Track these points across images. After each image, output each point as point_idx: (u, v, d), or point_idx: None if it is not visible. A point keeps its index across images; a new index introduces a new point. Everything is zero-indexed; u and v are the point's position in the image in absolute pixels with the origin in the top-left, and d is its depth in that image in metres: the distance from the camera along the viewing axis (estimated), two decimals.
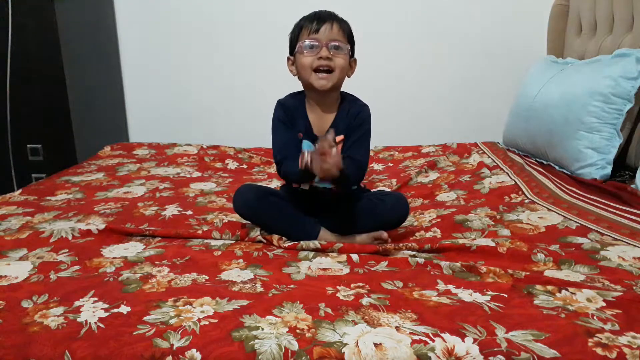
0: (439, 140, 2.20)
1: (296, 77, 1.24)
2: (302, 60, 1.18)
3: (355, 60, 1.25)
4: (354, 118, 1.22)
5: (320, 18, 1.16)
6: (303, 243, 1.13)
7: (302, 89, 1.27)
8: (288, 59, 1.24)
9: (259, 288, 0.92)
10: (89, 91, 2.35)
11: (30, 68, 2.15)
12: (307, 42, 1.16)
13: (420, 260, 1.04)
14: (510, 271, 0.95)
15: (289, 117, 1.23)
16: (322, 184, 1.22)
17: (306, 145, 1.23)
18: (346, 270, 1.01)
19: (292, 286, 0.93)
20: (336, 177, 1.07)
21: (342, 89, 1.26)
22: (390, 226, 1.24)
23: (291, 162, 1.14)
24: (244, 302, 0.85)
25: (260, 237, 1.18)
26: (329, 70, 1.17)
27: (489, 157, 1.87)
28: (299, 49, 1.18)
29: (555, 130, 1.64)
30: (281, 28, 2.56)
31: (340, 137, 1.20)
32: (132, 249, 1.13)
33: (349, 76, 1.24)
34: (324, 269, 1.02)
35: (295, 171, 1.12)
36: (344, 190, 1.24)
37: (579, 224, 1.20)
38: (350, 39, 1.21)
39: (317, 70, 1.17)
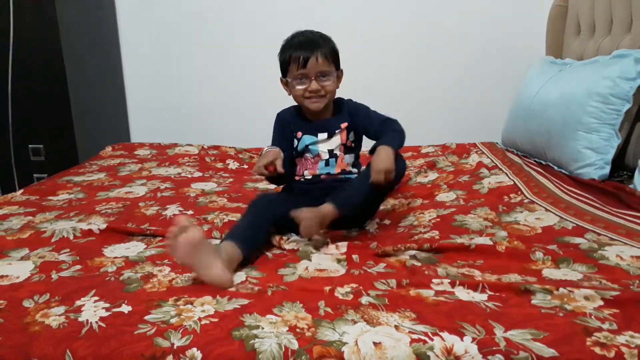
0: (438, 141, 2.21)
1: (291, 96, 1.33)
2: (294, 91, 1.29)
3: (341, 71, 1.32)
4: (348, 109, 1.35)
5: (305, 49, 1.24)
6: (302, 250, 1.13)
7: None
8: (281, 80, 1.33)
9: (259, 288, 0.92)
10: (90, 91, 2.36)
11: (32, 68, 2.16)
12: (297, 76, 1.26)
13: (417, 264, 1.03)
14: (505, 279, 0.95)
15: (287, 125, 1.34)
16: (324, 170, 1.32)
17: (307, 139, 1.32)
18: (342, 271, 1.02)
19: (282, 287, 0.93)
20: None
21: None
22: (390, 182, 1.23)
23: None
24: (245, 302, 0.86)
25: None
26: (320, 95, 1.27)
27: (488, 157, 1.88)
28: (291, 82, 1.28)
29: (554, 130, 1.65)
30: (281, 28, 2.57)
31: (344, 124, 1.32)
32: (133, 248, 1.14)
33: (337, 87, 1.32)
34: (321, 270, 1.03)
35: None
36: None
37: (575, 224, 1.21)
38: (335, 59, 1.29)
39: (309, 97, 1.27)
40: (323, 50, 1.24)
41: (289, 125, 1.34)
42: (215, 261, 0.94)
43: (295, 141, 1.33)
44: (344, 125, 1.31)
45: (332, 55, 1.27)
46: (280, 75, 1.33)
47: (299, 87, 1.26)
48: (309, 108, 1.29)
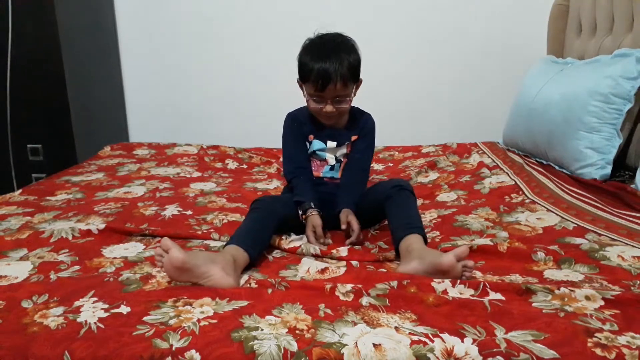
0: (439, 140, 2.20)
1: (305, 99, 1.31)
2: (310, 105, 1.27)
3: (361, 80, 1.30)
4: (363, 125, 1.35)
5: (326, 66, 1.18)
6: (304, 247, 1.13)
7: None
8: (298, 80, 1.30)
9: (259, 288, 0.92)
10: (89, 91, 2.35)
11: (31, 68, 2.15)
12: (314, 96, 1.24)
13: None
14: (506, 280, 0.95)
15: (300, 126, 1.33)
16: (329, 174, 1.34)
17: (316, 144, 1.33)
18: (343, 271, 1.01)
19: (283, 287, 0.92)
20: None
21: None
22: (387, 195, 1.21)
23: (300, 183, 1.29)
24: (244, 303, 0.85)
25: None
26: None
27: (489, 157, 1.87)
28: (307, 98, 1.27)
29: (555, 130, 1.64)
30: (282, 28, 2.57)
31: (354, 137, 1.34)
32: (132, 249, 1.13)
33: (355, 95, 1.30)
34: (322, 270, 1.02)
35: (296, 197, 1.26)
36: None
37: (575, 225, 1.20)
38: (355, 73, 1.24)
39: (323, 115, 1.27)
40: (343, 72, 1.18)
41: (302, 126, 1.34)
42: (212, 268, 0.92)
43: (307, 143, 1.35)
44: (354, 138, 1.34)
45: (352, 73, 1.21)
46: (292, 74, 1.31)
47: (314, 105, 1.26)
48: (323, 122, 1.31)
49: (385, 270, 1.04)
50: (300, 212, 1.23)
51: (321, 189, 1.31)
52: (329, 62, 1.18)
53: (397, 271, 1.00)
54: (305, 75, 1.23)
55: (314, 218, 1.20)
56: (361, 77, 1.29)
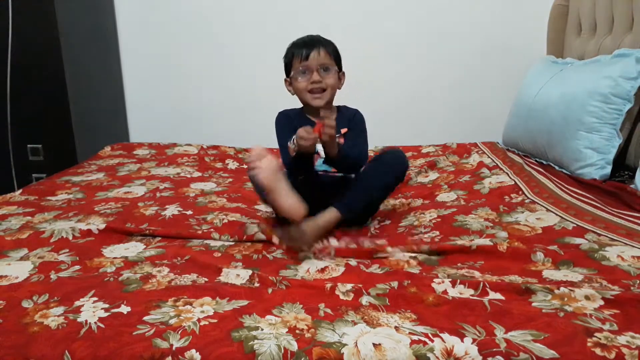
0: (439, 140, 2.20)
1: (294, 96, 1.37)
2: (297, 85, 1.33)
3: (343, 73, 1.37)
4: (351, 117, 1.38)
5: (308, 45, 1.30)
6: (300, 256, 1.13)
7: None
8: (285, 80, 1.37)
9: (259, 288, 0.92)
10: (89, 91, 2.35)
11: (31, 68, 2.15)
12: (300, 68, 1.30)
13: (416, 270, 1.02)
14: (507, 280, 0.95)
15: (290, 120, 1.36)
16: (322, 167, 1.34)
17: None
18: (341, 270, 1.02)
19: (283, 286, 0.92)
20: (334, 154, 1.21)
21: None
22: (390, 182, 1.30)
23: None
24: (244, 302, 0.85)
25: (259, 235, 1.18)
26: (322, 89, 1.31)
27: (489, 157, 1.87)
28: (294, 75, 1.32)
29: (554, 130, 1.64)
30: (281, 28, 2.57)
31: (344, 130, 1.34)
32: (133, 248, 1.14)
33: (339, 88, 1.36)
34: (322, 269, 1.02)
35: (292, 160, 1.25)
36: (344, 172, 1.31)
37: (575, 225, 1.20)
38: (336, 58, 1.34)
39: (311, 91, 1.31)
40: (325, 46, 1.30)
41: (292, 122, 1.36)
42: (291, 192, 0.99)
43: None
44: (343, 130, 1.35)
45: (334, 53, 1.32)
46: (284, 76, 1.36)
47: (302, 79, 1.30)
48: (311, 104, 1.32)
49: (378, 266, 1.03)
50: (292, 146, 1.21)
51: (317, 182, 1.31)
52: (311, 41, 1.31)
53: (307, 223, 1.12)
54: (290, 58, 1.32)
55: (299, 130, 1.19)
56: (344, 71, 1.35)
